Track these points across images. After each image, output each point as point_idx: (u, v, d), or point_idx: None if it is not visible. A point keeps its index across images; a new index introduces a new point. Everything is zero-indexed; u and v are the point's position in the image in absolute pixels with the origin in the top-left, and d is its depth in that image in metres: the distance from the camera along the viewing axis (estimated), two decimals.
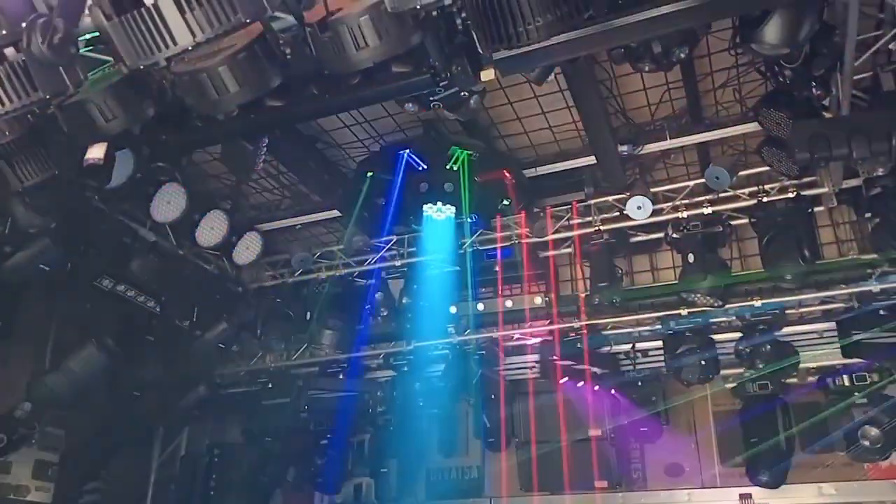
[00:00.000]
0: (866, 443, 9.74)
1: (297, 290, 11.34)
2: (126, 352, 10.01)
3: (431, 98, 7.06)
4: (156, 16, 3.71)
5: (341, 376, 11.76)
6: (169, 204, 9.46)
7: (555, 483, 11.41)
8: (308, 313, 11.06)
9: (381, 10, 4.31)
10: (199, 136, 7.68)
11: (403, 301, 10.76)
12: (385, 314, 10.91)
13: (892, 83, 7.55)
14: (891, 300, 9.36)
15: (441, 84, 6.56)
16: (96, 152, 6.44)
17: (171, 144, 7.88)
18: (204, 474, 12.55)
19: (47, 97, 4.36)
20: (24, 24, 4.25)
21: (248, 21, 3.77)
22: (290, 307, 11.23)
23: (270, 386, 11.77)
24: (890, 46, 6.87)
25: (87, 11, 4.49)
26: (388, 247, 10.70)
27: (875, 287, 9.35)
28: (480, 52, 5.33)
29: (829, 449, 10.44)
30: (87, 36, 5.04)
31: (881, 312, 9.24)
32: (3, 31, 4.23)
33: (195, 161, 9.92)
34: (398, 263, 10.72)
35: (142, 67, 3.98)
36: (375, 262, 10.80)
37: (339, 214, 10.48)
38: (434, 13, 4.54)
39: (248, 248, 10.50)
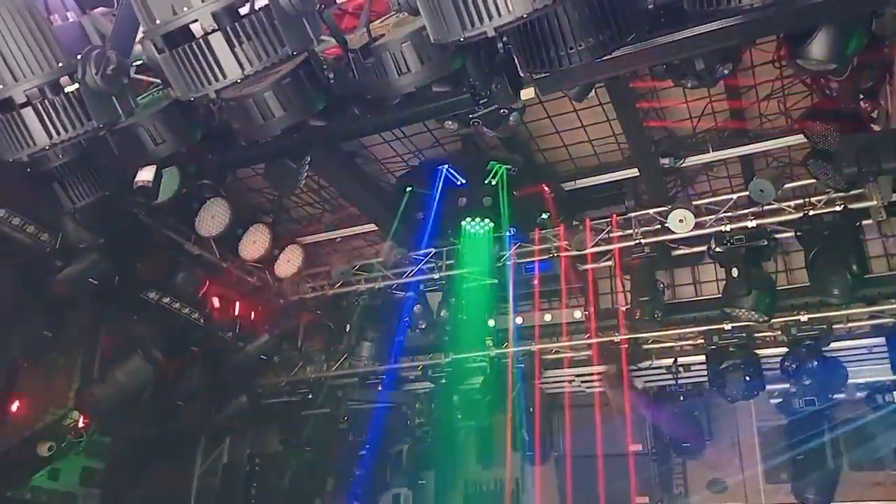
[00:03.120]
0: None
1: (337, 302, 11.45)
2: (170, 363, 10.24)
3: (471, 116, 7.07)
4: (206, 50, 3.79)
5: (380, 387, 11.84)
6: (213, 218, 9.64)
7: (594, 497, 11.28)
8: (347, 325, 11.16)
9: (423, 35, 4.34)
10: (244, 155, 7.81)
11: (441, 314, 10.78)
12: (423, 326, 10.95)
13: None
14: None
15: (481, 102, 6.58)
16: (146, 175, 6.61)
17: (217, 163, 8.02)
18: (244, 483, 12.75)
19: (100, 126, 4.48)
20: (78, 56, 4.37)
21: (294, 53, 3.84)
22: (330, 319, 11.34)
23: (310, 396, 11.93)
24: None
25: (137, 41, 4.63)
26: (426, 260, 10.76)
27: None
28: (521, 75, 5.33)
29: (878, 467, 10.17)
30: (138, 62, 5.23)
31: None
32: (60, 63, 4.35)
33: (238, 176, 10.09)
34: (436, 276, 10.76)
35: (192, 99, 4.07)
36: (414, 274, 10.86)
37: (378, 228, 10.54)
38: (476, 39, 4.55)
39: (289, 261, 10.67)
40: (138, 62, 5.36)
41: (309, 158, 7.74)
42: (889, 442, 9.92)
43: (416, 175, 9.90)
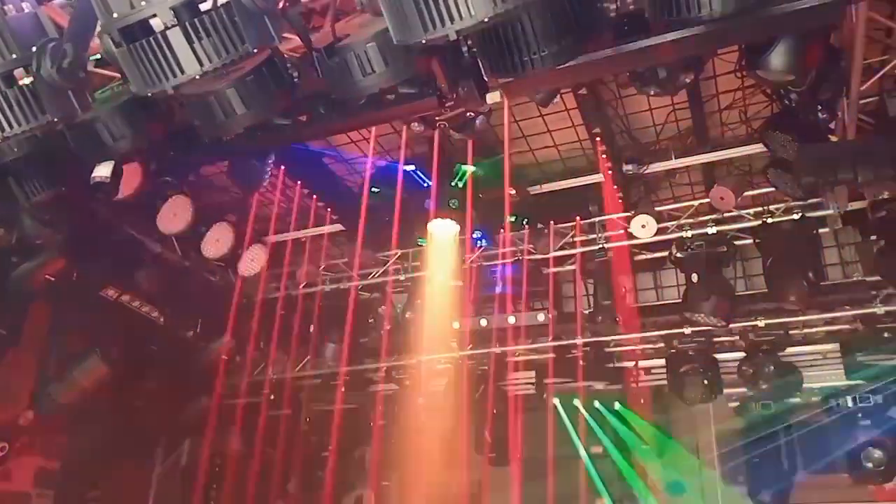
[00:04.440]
0: (870, 465, 9.75)
1: (301, 303, 11.34)
2: (129, 362, 10.06)
3: (438, 118, 7.09)
4: (164, 45, 3.73)
5: (343, 389, 11.75)
6: (175, 216, 9.49)
7: (553, 499, 11.36)
8: (311, 326, 11.07)
9: (388, 36, 4.33)
10: (207, 152, 7.70)
11: (407, 315, 10.75)
12: (388, 328, 10.91)
13: None
14: (895, 322, 9.37)
15: (447, 105, 6.58)
16: (103, 171, 6.49)
17: (179, 160, 7.91)
18: (205, 485, 12.56)
19: (55, 120, 4.38)
20: (33, 48, 4.28)
21: (255, 50, 3.80)
22: (294, 319, 11.23)
23: (272, 398, 11.77)
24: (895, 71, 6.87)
25: (96, 36, 4.54)
26: (392, 261, 10.72)
27: (880, 309, 9.34)
28: (485, 78, 5.36)
29: (832, 470, 10.38)
30: (96, 56, 5.13)
31: (885, 335, 9.25)
32: (14, 55, 4.25)
33: (202, 174, 9.96)
34: (402, 278, 10.74)
35: (150, 95, 4.00)
36: (380, 275, 10.82)
37: (344, 228, 10.49)
38: (440, 42, 4.55)
39: (252, 261, 10.54)
40: (97, 56, 5.27)
41: (273, 156, 7.67)
42: (843, 445, 10.14)
43: (384, 175, 9.87)
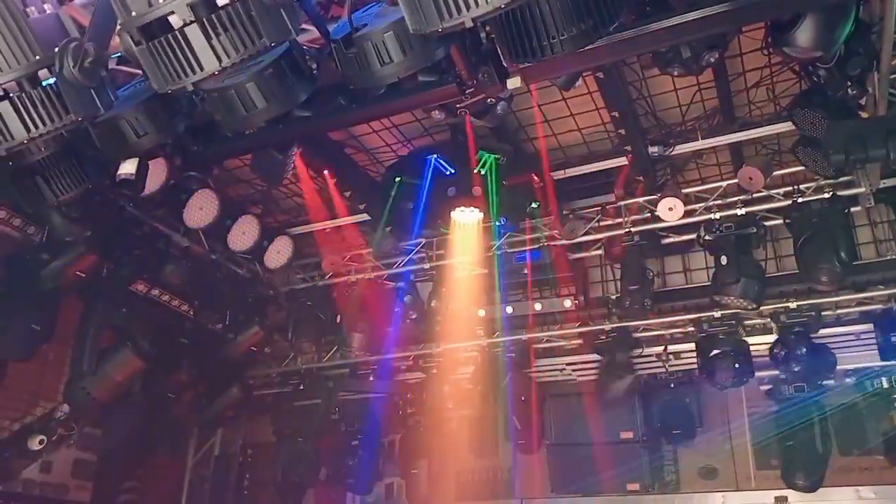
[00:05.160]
0: None
1: (328, 293, 11.42)
2: (161, 355, 10.21)
3: (458, 105, 7.02)
4: (182, 42, 3.74)
5: (371, 378, 11.85)
6: (201, 210, 9.56)
7: (585, 485, 11.37)
8: (338, 316, 11.15)
9: (405, 25, 4.30)
10: (230, 147, 7.76)
11: (432, 304, 10.77)
12: (414, 317, 10.94)
13: None
14: None
15: (467, 92, 6.53)
16: (128, 168, 6.56)
17: (203, 155, 7.97)
18: (237, 474, 12.79)
19: (79, 119, 4.43)
20: (56, 49, 4.32)
21: (272, 45, 3.80)
22: (321, 310, 11.31)
23: (302, 387, 11.93)
24: None
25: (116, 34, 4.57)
26: (416, 250, 10.72)
27: None
28: (504, 64, 5.30)
29: (867, 452, 10.22)
30: (118, 53, 5.17)
31: None
32: (37, 56, 4.29)
33: (227, 167, 10.03)
34: (427, 266, 10.73)
35: (170, 91, 4.02)
36: (404, 264, 10.84)
37: (369, 218, 10.51)
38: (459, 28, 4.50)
39: (279, 252, 10.61)
40: (118, 54, 5.32)
41: (296, 148, 7.69)
42: (877, 427, 9.99)
43: (406, 165, 9.85)
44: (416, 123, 9.41)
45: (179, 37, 3.77)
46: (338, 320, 11.19)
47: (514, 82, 6.33)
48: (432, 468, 12.49)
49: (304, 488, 12.56)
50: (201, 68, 3.77)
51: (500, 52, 4.93)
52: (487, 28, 5.01)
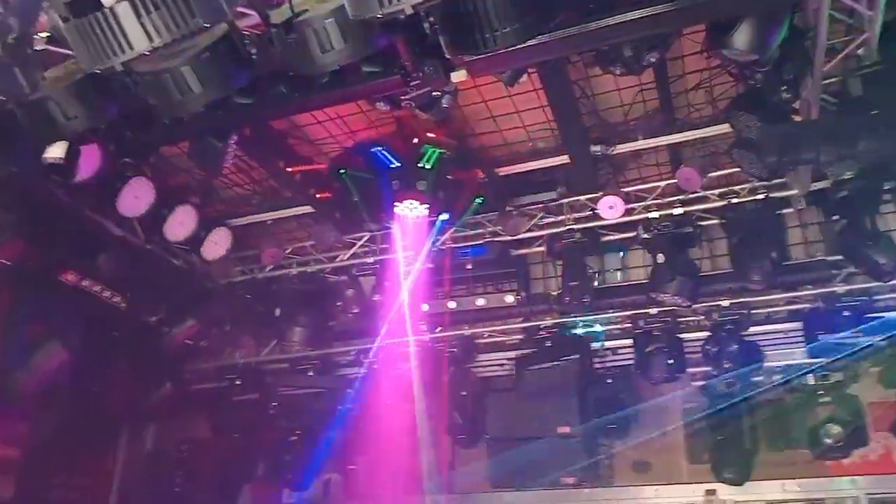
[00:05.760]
0: (829, 441, 9.97)
1: (268, 286, 11.21)
2: (91, 348, 9.87)
3: (403, 97, 6.97)
4: (112, 20, 3.60)
5: (311, 373, 11.70)
6: (136, 198, 9.23)
7: (523, 479, 11.46)
8: (278, 309, 10.96)
9: (347, 12, 4.23)
10: (166, 133, 7.53)
11: (375, 298, 10.70)
12: (356, 311, 10.85)
13: (860, 88, 7.64)
14: (855, 301, 9.56)
15: (412, 84, 6.49)
16: (56, 151, 6.29)
17: (138, 140, 7.71)
18: (171, 471, 12.45)
19: (2, 98, 4.22)
20: None
21: (206, 25, 3.68)
22: (260, 303, 11.11)
23: (239, 382, 11.69)
24: (858, 52, 6.93)
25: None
26: (360, 244, 10.63)
27: (840, 288, 9.55)
28: (448, 57, 5.28)
29: (793, 446, 10.59)
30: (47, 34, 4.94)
31: (845, 313, 9.43)
32: None
33: (164, 155, 9.74)
34: (370, 260, 10.66)
35: (98, 71, 3.86)
36: (347, 258, 10.73)
37: (311, 210, 10.36)
38: (401, 17, 4.46)
39: (217, 244, 10.34)
40: (47, 34, 5.08)
41: (235, 137, 7.52)
42: (803, 423, 10.35)
43: (350, 157, 9.74)
44: (362, 115, 9.31)
45: (109, 14, 3.62)
46: (277, 314, 10.98)
47: (459, 75, 6.30)
48: (371, 463, 12.40)
49: (241, 485, 12.32)
50: (131, 47, 3.63)
51: (442, 43, 4.89)
52: (431, 19, 4.98)
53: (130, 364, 10.81)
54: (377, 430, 11.74)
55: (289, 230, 11.25)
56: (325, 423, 12.27)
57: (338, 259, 10.80)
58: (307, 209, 10.30)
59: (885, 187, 9.09)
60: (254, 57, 5.17)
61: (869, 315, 9.44)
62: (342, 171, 9.45)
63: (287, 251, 10.97)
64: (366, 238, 10.56)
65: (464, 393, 11.45)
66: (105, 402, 10.86)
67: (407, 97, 6.92)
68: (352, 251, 10.69)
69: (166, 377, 11.38)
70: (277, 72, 5.97)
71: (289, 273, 10.99)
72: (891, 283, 8.98)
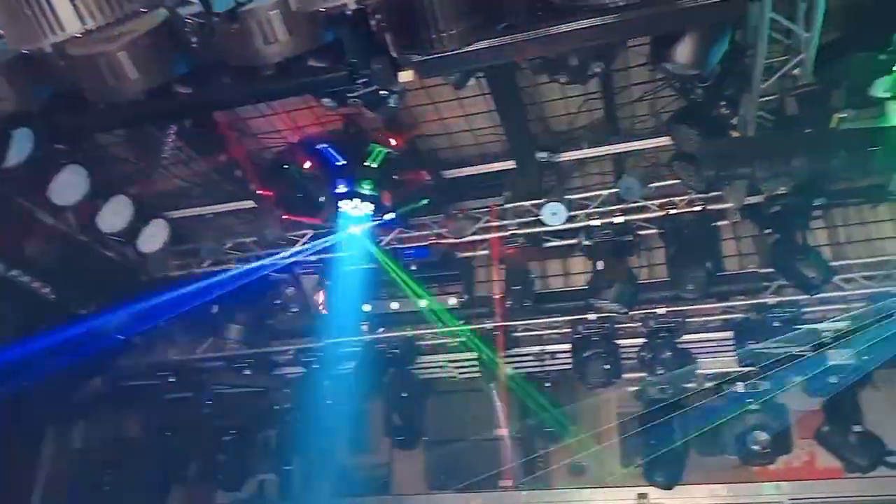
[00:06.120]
0: (756, 447, 10.32)
1: (206, 282, 10.93)
2: (16, 340, 9.46)
3: (349, 94, 6.89)
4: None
5: (248, 371, 11.47)
6: (70, 187, 8.89)
7: (461, 481, 11.51)
8: (215, 305, 10.71)
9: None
10: (102, 120, 7.27)
11: (316, 297, 10.57)
12: (296, 310, 10.69)
13: (796, 107, 7.90)
14: (785, 312, 9.91)
15: (359, 81, 6.43)
16: None
17: (72, 126, 7.42)
18: (99, 470, 12.05)
19: None
20: None
21: (144, 10, 3.56)
22: (198, 299, 10.81)
23: (173, 380, 11.39)
24: (795, 72, 7.16)
25: None
26: (303, 241, 10.47)
27: (771, 299, 9.88)
28: (394, 55, 5.24)
29: (721, 452, 10.92)
30: None
31: (775, 324, 9.77)
32: None
33: (100, 143, 9.41)
34: (313, 258, 10.51)
35: (27, 52, 3.70)
36: (289, 256, 10.56)
37: (254, 205, 10.17)
38: (348, 12, 4.42)
39: (153, 236, 10.00)
40: None
41: (175, 127, 7.31)
42: (732, 429, 10.67)
43: (295, 152, 9.59)
44: (308, 110, 9.18)
45: None
46: (214, 310, 10.73)
47: (406, 75, 6.26)
48: (308, 464, 12.25)
49: (172, 485, 12.03)
50: (62, 29, 3.50)
51: (389, 41, 4.86)
52: (378, 17, 4.94)
53: (58, 358, 10.38)
54: (315, 431, 11.62)
55: (229, 225, 11.00)
56: (260, 423, 12.11)
57: (279, 256, 10.60)
58: (249, 204, 10.10)
59: (816, 204, 9.44)
60: (195, 46, 5.04)
61: (797, 326, 9.82)
62: (286, 166, 9.31)
63: (226, 246, 10.72)
64: (309, 236, 10.39)
65: (404, 394, 11.41)
66: (30, 396, 10.42)
67: (354, 94, 6.86)
68: (294, 248, 10.51)
69: (96, 373, 11.00)
70: (220, 62, 5.83)
71: (228, 269, 10.73)
72: (818, 295, 9.35)
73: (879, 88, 7.48)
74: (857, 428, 10.36)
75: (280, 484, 12.26)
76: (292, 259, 10.52)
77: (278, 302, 10.71)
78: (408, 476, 12.20)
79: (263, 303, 10.74)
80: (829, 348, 9.62)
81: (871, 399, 10.69)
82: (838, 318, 9.87)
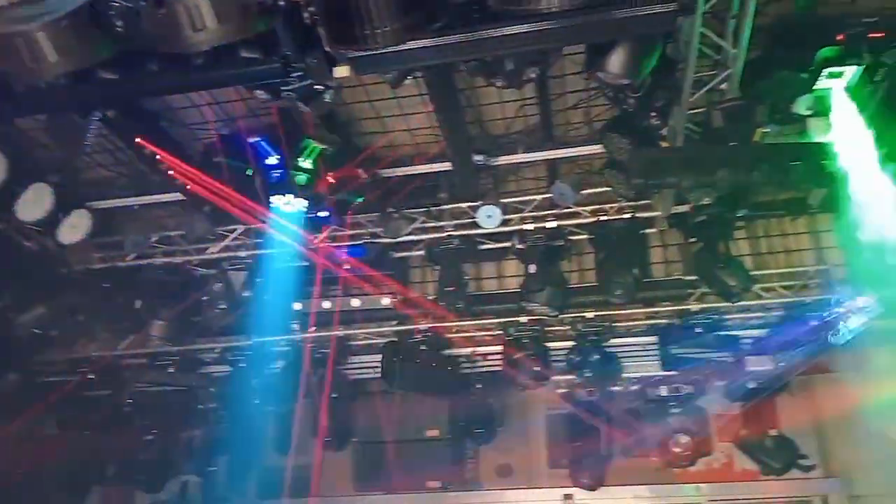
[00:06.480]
0: (678, 449, 10.62)
1: (130, 276, 10.57)
2: None
3: (284, 88, 6.77)
4: None
5: (172, 369, 11.12)
6: None
7: (389, 483, 11.48)
8: (139, 301, 10.36)
9: None
10: (21, 104, 6.92)
11: (245, 294, 10.33)
12: (224, 307, 10.42)
13: (722, 121, 8.16)
14: (707, 319, 10.24)
15: (294, 75, 6.34)
16: None
17: None
18: (13, 469, 11.48)
19: None
20: None
21: None
22: (120, 293, 10.46)
23: (93, 376, 10.96)
24: (722, 86, 7.40)
25: None
26: (233, 236, 10.24)
27: (694, 306, 10.19)
28: (327, 49, 5.18)
29: (644, 454, 11.20)
30: None
31: (697, 330, 10.08)
32: None
33: (21, 127, 8.98)
34: (243, 254, 10.28)
35: None
36: (218, 251, 10.31)
37: (182, 198, 9.86)
38: (281, 2, 4.34)
39: (75, 227, 9.63)
40: None
41: (98, 114, 7.04)
42: (655, 431, 10.96)
43: (227, 145, 9.35)
44: (242, 102, 8.97)
45: None
46: (138, 306, 10.37)
47: (342, 71, 6.21)
48: (233, 465, 11.99)
49: (90, 486, 11.59)
50: None
51: (322, 35, 4.79)
52: (312, 9, 4.86)
53: None
54: (241, 431, 11.39)
55: (156, 217, 10.66)
56: (184, 423, 11.77)
57: (207, 251, 10.34)
58: (177, 196, 9.79)
59: (739, 215, 9.78)
60: (120, 30, 4.85)
61: (718, 332, 10.16)
62: (216, 159, 9.07)
63: (153, 239, 10.39)
64: (239, 231, 10.16)
65: (334, 395, 11.28)
66: None
67: (288, 88, 6.75)
68: (223, 244, 10.27)
69: (11, 368, 10.49)
70: (147, 48, 5.64)
71: (153, 263, 10.40)
72: (738, 303, 9.69)
73: (801, 106, 7.87)
74: (772, 432, 10.82)
75: (203, 485, 11.97)
76: (221, 254, 10.27)
77: (205, 298, 10.41)
78: (335, 477, 12.06)
79: (189, 299, 10.43)
80: (748, 355, 9.98)
81: (786, 405, 11.18)
82: (757, 325, 10.25)
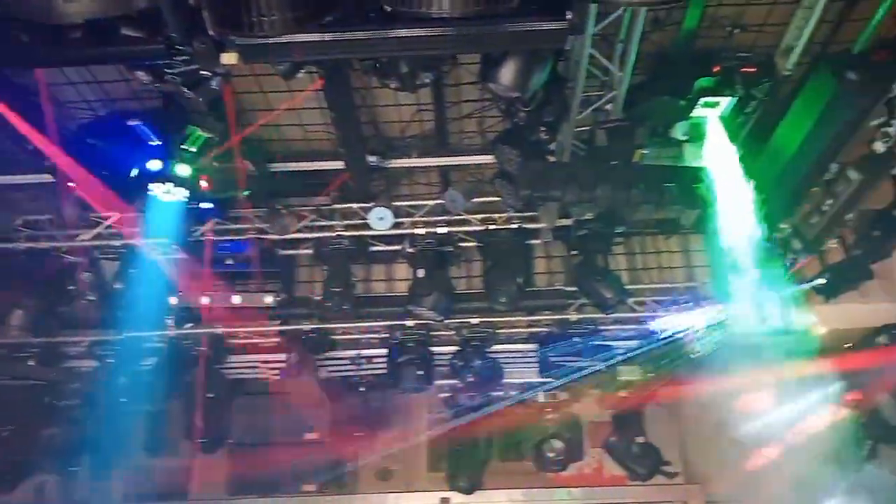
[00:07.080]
0: (551, 454, 10.96)
1: None
2: None
3: (168, 71, 6.48)
4: None
5: (31, 362, 10.34)
6: None
7: (264, 486, 11.19)
8: None
9: None
10: None
11: (116, 285, 9.77)
12: (93, 298, 9.82)
13: (605, 140, 8.51)
14: (584, 329, 10.62)
15: (179, 58, 6.08)
16: None
17: None
18: None
19: None
20: None
21: None
22: None
23: None
24: (607, 106, 7.73)
25: None
26: (106, 224, 9.66)
27: (573, 316, 10.54)
28: (211, 33, 4.99)
29: (520, 458, 11.49)
30: None
31: (575, 339, 10.45)
32: None
33: None
34: (116, 243, 9.73)
35: None
36: (90, 239, 9.70)
37: (52, 180, 9.22)
38: None
39: None
40: None
41: None
42: (530, 437, 11.26)
43: (105, 127, 8.82)
44: (124, 84, 8.50)
45: None
46: None
47: (229, 58, 5.99)
48: (96, 466, 11.30)
49: None
50: None
51: (206, 18, 4.62)
52: None
53: None
54: (108, 430, 10.76)
55: (21, 199, 9.89)
56: (43, 420, 10.98)
57: (78, 238, 9.70)
58: (47, 178, 9.15)
59: (618, 231, 10.24)
60: None
61: (594, 342, 10.56)
62: (91, 140, 8.54)
63: (17, 223, 9.65)
64: (114, 219, 9.60)
65: (210, 395, 10.86)
66: None
67: (172, 71, 6.46)
68: (95, 231, 9.67)
69: None
70: (17, 18, 5.24)
71: (16, 248, 9.66)
72: (613, 314, 10.10)
73: (679, 131, 8.33)
74: (639, 439, 11.35)
75: (63, 486, 11.20)
76: (93, 242, 9.67)
77: (72, 288, 9.76)
78: (208, 480, 11.63)
79: (55, 288, 9.75)
80: (621, 364, 10.43)
81: (654, 414, 11.76)
82: (630, 336, 10.72)
